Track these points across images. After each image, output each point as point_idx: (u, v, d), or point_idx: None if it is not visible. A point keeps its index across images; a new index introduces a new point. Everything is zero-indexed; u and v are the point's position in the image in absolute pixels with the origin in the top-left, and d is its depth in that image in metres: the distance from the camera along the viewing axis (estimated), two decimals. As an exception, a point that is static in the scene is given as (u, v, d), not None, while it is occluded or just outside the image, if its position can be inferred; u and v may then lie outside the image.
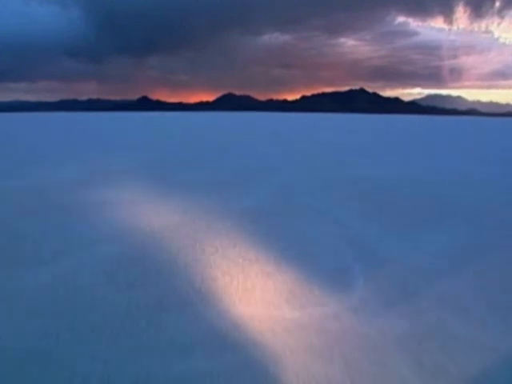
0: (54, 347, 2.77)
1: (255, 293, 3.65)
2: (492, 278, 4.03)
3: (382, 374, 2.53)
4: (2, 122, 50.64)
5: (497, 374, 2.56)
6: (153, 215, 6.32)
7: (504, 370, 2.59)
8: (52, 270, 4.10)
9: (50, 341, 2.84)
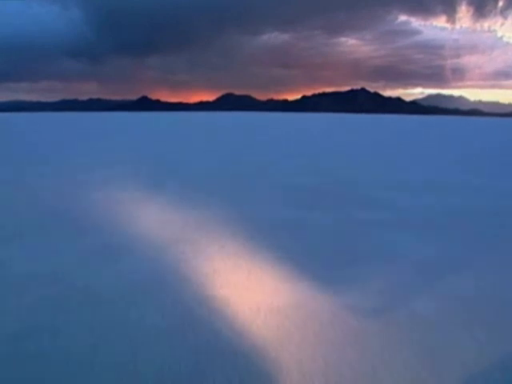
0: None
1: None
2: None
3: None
4: (3, 122, 50.55)
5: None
6: (147, 213, 6.28)
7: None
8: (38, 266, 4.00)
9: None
